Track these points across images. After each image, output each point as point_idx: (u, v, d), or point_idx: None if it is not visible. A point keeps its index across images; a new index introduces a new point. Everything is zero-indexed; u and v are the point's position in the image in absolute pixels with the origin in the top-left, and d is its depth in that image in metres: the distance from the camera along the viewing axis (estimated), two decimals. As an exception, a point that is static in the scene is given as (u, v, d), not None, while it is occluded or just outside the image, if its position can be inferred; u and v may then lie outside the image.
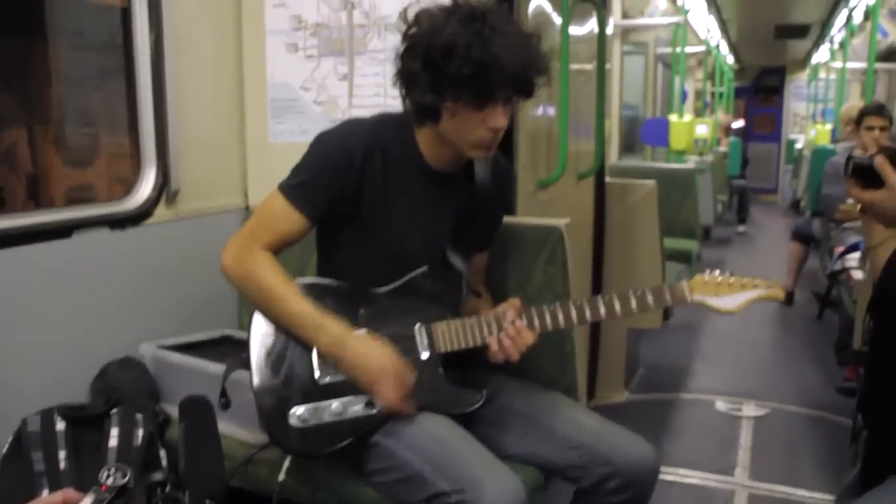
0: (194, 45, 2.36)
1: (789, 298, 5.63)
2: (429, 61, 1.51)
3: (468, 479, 1.44)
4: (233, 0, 2.48)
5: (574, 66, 2.71)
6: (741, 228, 9.53)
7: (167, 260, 2.31)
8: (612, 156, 6.13)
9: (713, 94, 10.22)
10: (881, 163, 1.32)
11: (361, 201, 1.64)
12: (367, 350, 1.58)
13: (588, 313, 1.64)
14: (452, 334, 1.65)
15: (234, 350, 1.89)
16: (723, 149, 9.30)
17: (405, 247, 1.68)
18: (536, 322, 1.64)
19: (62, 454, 1.77)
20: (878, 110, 4.36)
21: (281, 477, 1.68)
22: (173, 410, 1.95)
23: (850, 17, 7.51)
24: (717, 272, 1.66)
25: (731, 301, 1.65)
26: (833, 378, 3.93)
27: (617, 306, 1.63)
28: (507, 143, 2.27)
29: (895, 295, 1.43)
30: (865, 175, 1.36)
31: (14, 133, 3.25)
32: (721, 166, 8.70)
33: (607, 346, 3.53)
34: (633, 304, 1.62)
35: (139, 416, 1.88)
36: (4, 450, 1.79)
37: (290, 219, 1.62)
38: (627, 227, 3.50)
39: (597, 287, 3.31)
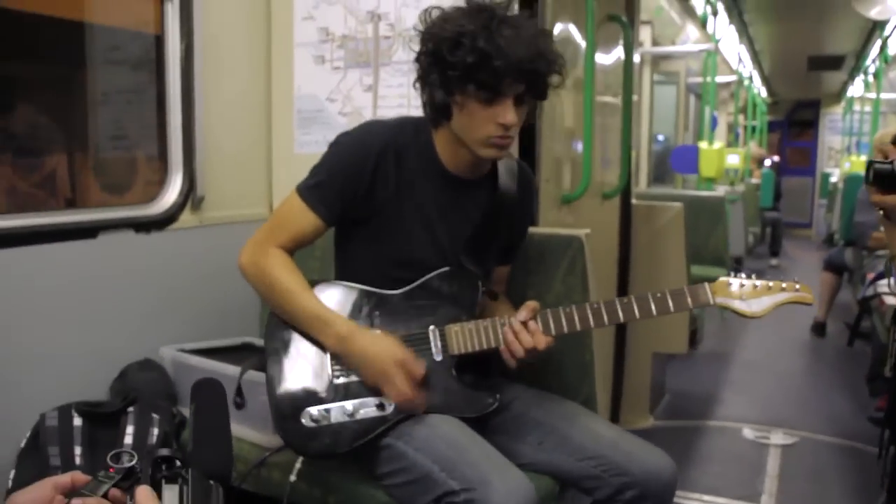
0: (224, 55, 2.41)
1: (821, 329, 5.54)
2: (438, 55, 1.53)
3: (477, 479, 1.42)
4: (263, 13, 2.54)
5: (600, 99, 2.70)
6: (773, 261, 9.37)
7: (190, 265, 2.33)
8: (641, 185, 6.10)
9: (745, 127, 10.14)
10: None
11: (374, 202, 1.64)
12: (375, 345, 1.57)
13: (605, 315, 1.60)
14: (466, 336, 1.63)
15: (253, 356, 1.89)
16: (755, 180, 9.22)
17: (416, 250, 1.68)
18: (552, 324, 1.61)
19: (78, 450, 1.79)
20: (913, 136, 4.29)
21: (292, 478, 1.67)
22: (190, 413, 1.96)
23: (884, 47, 7.45)
24: (743, 275, 1.60)
25: (756, 305, 1.57)
26: (865, 409, 3.83)
27: (635, 308, 1.58)
28: (529, 157, 2.29)
29: None
30: (886, 181, 1.35)
31: (54, 159, 3.29)
32: (753, 198, 8.60)
33: (632, 370, 3.48)
34: (653, 306, 1.58)
35: (155, 416, 1.89)
36: (22, 444, 1.81)
37: (305, 219, 1.64)
38: (653, 249, 3.47)
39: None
